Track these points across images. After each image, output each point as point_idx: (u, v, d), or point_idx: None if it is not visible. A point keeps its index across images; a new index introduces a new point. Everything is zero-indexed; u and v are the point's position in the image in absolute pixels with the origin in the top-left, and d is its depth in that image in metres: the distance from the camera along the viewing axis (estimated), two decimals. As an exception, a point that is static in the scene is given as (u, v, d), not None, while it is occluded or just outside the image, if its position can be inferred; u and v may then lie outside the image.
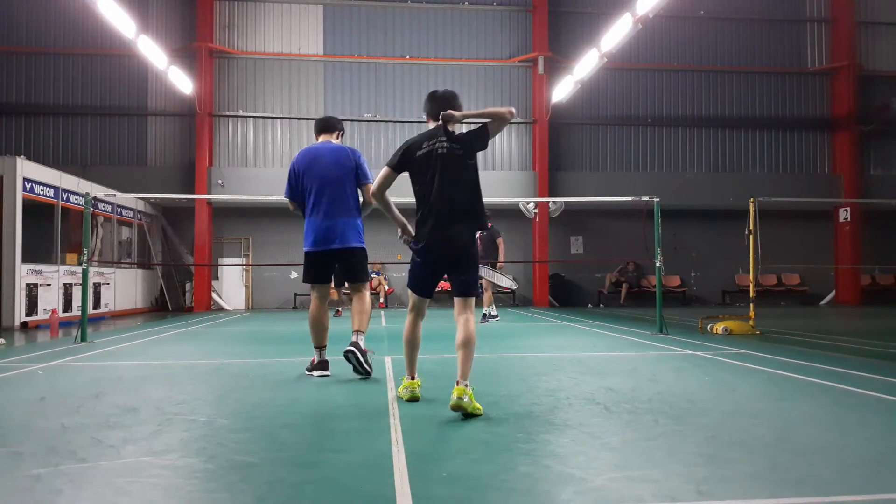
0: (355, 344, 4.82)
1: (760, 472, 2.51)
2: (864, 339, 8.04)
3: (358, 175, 5.02)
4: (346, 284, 5.63)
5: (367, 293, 5.33)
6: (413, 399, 3.90)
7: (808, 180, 18.88)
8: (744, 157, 18.97)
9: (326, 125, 5.23)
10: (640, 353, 6.55)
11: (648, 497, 2.25)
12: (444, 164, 3.76)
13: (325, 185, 4.93)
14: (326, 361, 5.07)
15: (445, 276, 3.85)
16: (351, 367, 4.87)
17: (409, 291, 4.02)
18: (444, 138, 3.79)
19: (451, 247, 3.72)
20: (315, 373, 5.02)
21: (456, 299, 3.77)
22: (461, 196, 3.74)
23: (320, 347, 5.09)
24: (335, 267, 5.19)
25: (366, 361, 4.84)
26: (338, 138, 5.26)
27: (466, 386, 3.48)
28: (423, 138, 3.87)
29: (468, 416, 3.43)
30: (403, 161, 3.92)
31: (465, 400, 3.42)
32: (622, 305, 17.58)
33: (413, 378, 3.96)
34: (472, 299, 3.77)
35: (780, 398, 4.13)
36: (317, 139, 5.24)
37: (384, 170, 3.99)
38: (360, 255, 5.16)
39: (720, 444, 2.92)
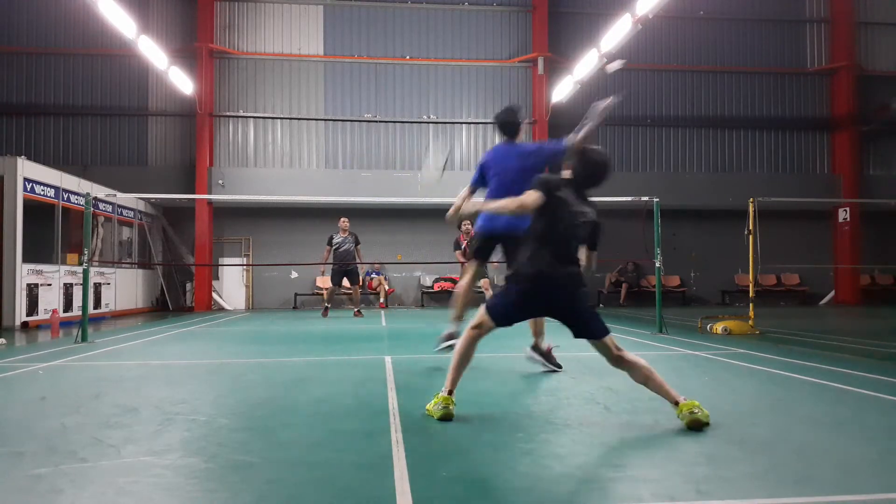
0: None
1: (760, 472, 2.51)
2: (864, 339, 8.04)
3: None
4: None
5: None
6: (447, 417, 3.45)
7: (808, 180, 18.88)
8: (744, 157, 18.96)
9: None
10: (640, 353, 6.53)
11: (648, 497, 2.25)
12: None
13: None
14: (457, 333, 5.04)
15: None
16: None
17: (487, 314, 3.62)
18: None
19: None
20: (444, 344, 5.40)
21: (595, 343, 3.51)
22: None
23: (459, 319, 5.40)
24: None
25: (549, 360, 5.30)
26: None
27: (684, 399, 3.29)
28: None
29: (702, 426, 3.22)
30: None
31: (697, 412, 3.22)
32: (622, 305, 17.58)
33: (451, 393, 3.56)
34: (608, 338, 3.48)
35: (779, 398, 4.13)
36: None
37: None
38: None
39: (720, 444, 2.92)
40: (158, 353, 6.86)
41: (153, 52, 13.81)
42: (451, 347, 5.08)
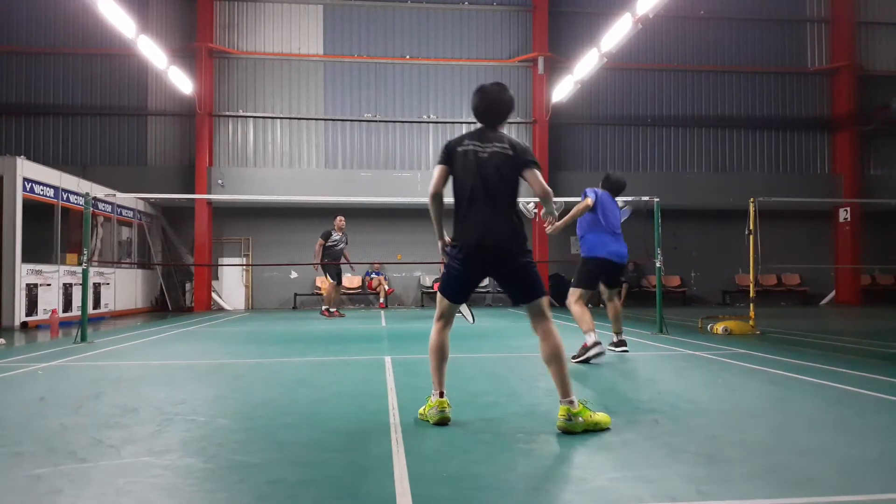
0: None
1: (760, 472, 2.51)
2: (864, 339, 8.04)
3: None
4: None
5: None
6: (443, 421, 3.30)
7: (808, 180, 18.88)
8: (744, 157, 18.96)
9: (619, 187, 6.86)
10: (640, 353, 6.55)
11: (648, 497, 2.25)
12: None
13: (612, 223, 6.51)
14: (599, 342, 5.77)
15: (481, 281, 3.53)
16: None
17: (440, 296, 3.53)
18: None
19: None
20: (590, 352, 5.72)
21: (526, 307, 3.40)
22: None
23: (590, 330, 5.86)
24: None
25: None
26: None
27: (572, 403, 3.14)
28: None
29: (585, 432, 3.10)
30: None
31: (578, 420, 3.10)
32: (622, 305, 17.55)
33: (442, 395, 3.38)
34: (542, 301, 3.36)
35: (780, 398, 4.13)
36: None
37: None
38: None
39: (720, 444, 2.92)
40: (158, 353, 6.85)
41: (153, 52, 13.80)
42: (598, 354, 5.73)
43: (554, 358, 3.25)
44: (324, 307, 12.81)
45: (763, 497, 2.26)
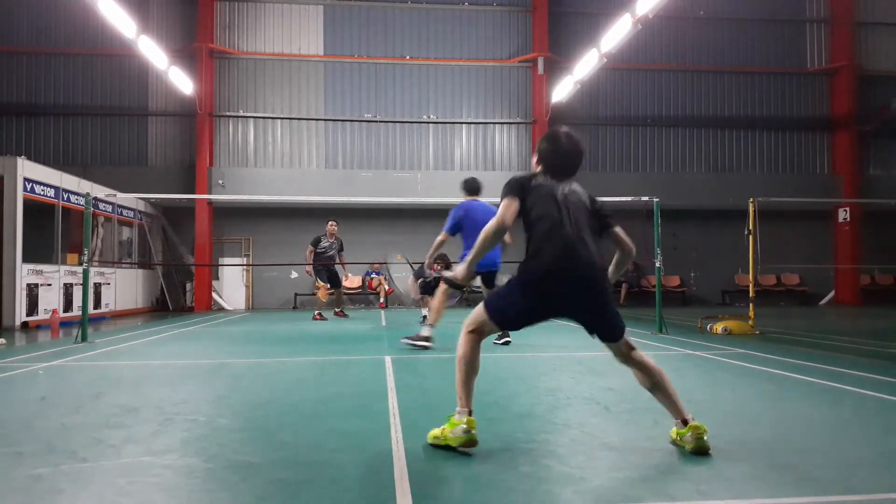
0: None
1: (760, 472, 2.51)
2: (864, 339, 8.04)
3: None
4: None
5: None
6: (470, 443, 2.85)
7: (808, 180, 18.88)
8: (744, 157, 18.97)
9: (476, 189, 7.50)
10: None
11: (648, 497, 2.25)
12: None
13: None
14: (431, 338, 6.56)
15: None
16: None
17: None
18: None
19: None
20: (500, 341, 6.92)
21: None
22: None
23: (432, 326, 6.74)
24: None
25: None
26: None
27: (693, 419, 2.87)
28: None
29: (707, 452, 2.80)
30: None
31: (705, 438, 2.81)
32: (622, 305, 17.57)
33: (471, 413, 2.94)
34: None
35: (779, 398, 4.13)
36: (469, 197, 7.35)
37: None
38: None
39: (720, 444, 2.92)
40: (159, 353, 6.86)
41: (153, 52, 13.80)
42: (423, 348, 6.19)
43: (654, 387, 2.99)
44: (317, 310, 12.48)
45: (763, 497, 2.26)
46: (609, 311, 3.00)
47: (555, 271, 2.94)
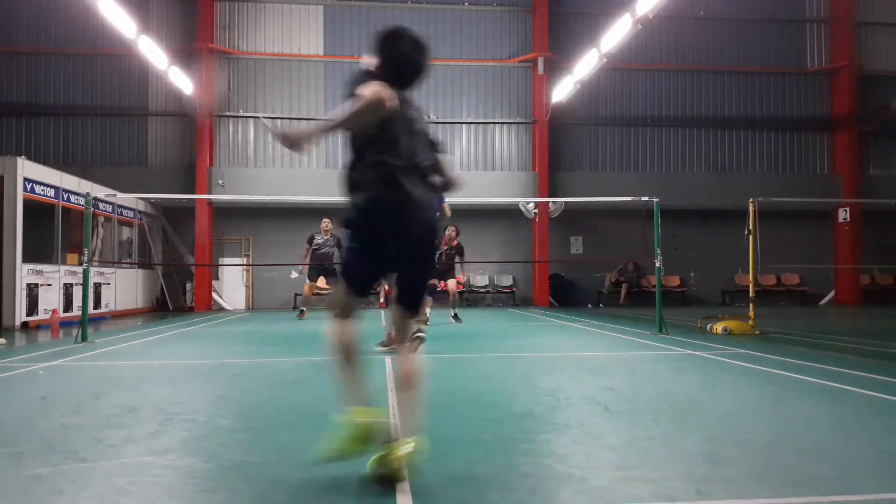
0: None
1: (760, 472, 2.52)
2: (864, 339, 8.05)
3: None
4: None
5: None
6: (365, 439, 2.44)
7: (808, 180, 18.88)
8: (744, 157, 18.97)
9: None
10: (640, 352, 6.55)
11: (648, 497, 2.25)
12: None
13: None
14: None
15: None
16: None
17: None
18: None
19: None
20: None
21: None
22: None
23: None
24: None
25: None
26: None
27: (410, 442, 2.42)
28: None
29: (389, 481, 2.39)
30: None
31: (394, 465, 2.37)
32: (622, 305, 17.58)
33: (368, 407, 2.49)
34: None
35: (779, 398, 4.13)
36: None
37: None
38: None
39: (720, 444, 2.92)
40: (159, 353, 6.86)
41: (153, 52, 13.80)
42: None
43: (404, 386, 2.63)
44: (302, 308, 12.65)
45: (763, 497, 2.26)
46: (428, 271, 2.67)
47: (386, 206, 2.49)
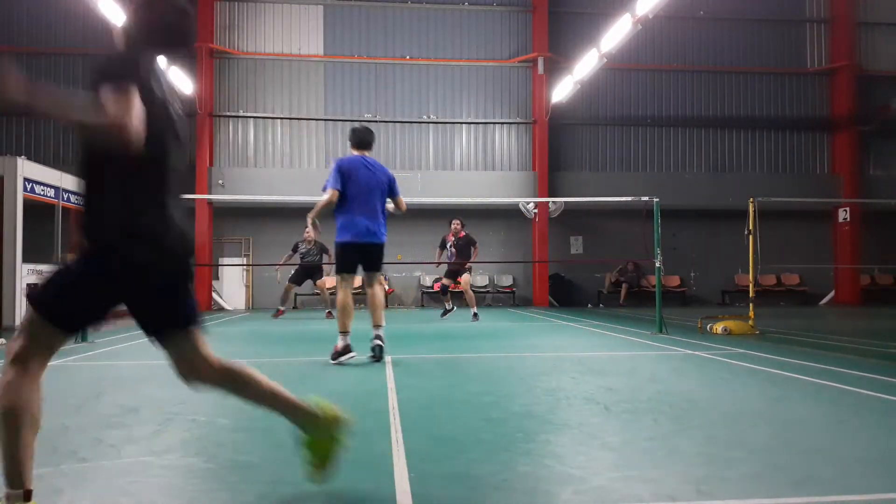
0: (380, 337, 5.73)
1: (760, 472, 2.51)
2: (864, 339, 8.04)
3: (392, 190, 6.22)
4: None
5: (381, 287, 6.08)
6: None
7: (808, 180, 18.88)
8: (744, 157, 18.97)
9: (366, 142, 6.22)
10: (640, 353, 6.55)
11: (648, 497, 2.25)
12: None
13: (365, 193, 5.85)
14: (350, 345, 5.63)
15: None
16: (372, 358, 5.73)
17: None
18: None
19: None
20: (343, 357, 5.58)
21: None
22: None
23: (345, 332, 5.68)
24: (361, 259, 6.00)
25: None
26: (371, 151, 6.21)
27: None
28: None
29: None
30: None
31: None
32: (622, 305, 17.58)
33: (28, 497, 1.87)
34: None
35: (779, 398, 4.13)
36: (356, 152, 6.12)
37: None
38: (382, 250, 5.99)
39: (720, 444, 2.92)
40: (158, 353, 6.82)
41: (153, 52, 13.77)
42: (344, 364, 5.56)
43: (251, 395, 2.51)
44: (280, 307, 12.81)
45: (763, 497, 2.26)
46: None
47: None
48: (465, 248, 11.36)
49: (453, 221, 11.45)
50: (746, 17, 18.88)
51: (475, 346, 7.28)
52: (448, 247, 11.48)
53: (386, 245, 5.99)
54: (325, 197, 5.93)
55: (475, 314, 11.31)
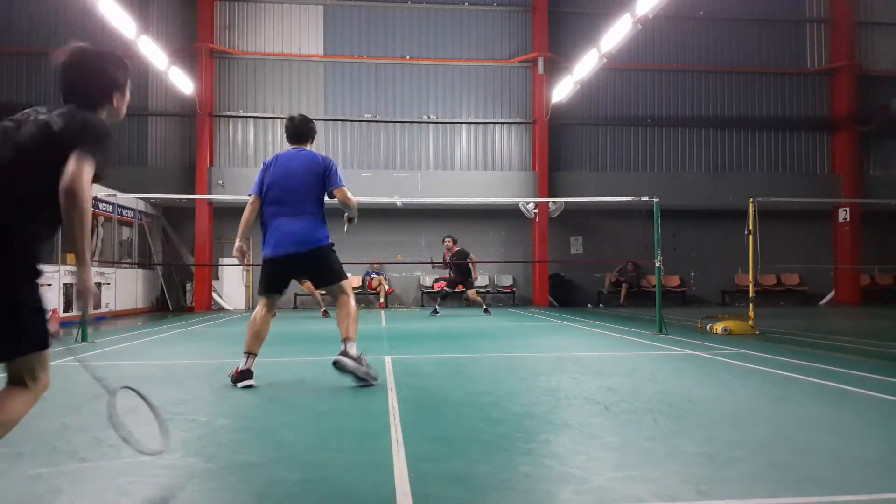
0: (345, 353, 4.40)
1: (760, 472, 2.51)
2: (864, 339, 8.04)
3: (327, 182, 4.76)
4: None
5: (348, 296, 4.70)
6: None
7: (808, 180, 18.88)
8: (744, 157, 18.96)
9: (298, 132, 5.04)
10: (640, 353, 6.55)
11: (648, 497, 2.25)
12: None
13: (288, 192, 4.73)
14: (251, 371, 4.53)
15: None
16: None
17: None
18: None
19: None
20: (239, 383, 4.45)
21: None
22: None
23: (250, 353, 4.63)
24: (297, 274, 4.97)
25: (363, 371, 4.40)
26: (310, 144, 5.08)
27: None
28: None
29: None
30: None
31: None
32: (622, 305, 17.58)
33: None
34: None
35: (779, 398, 4.13)
36: (291, 147, 5.03)
37: None
38: (328, 254, 4.69)
39: (720, 444, 2.92)
40: (159, 353, 6.86)
41: (153, 53, 13.79)
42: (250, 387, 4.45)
43: None
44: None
45: (763, 497, 2.26)
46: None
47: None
48: (461, 263, 12.96)
49: (445, 240, 12.76)
50: (746, 17, 18.88)
51: (475, 346, 7.28)
52: (445, 261, 13.09)
53: (332, 246, 4.73)
54: (245, 210, 5.06)
55: (486, 309, 13.00)
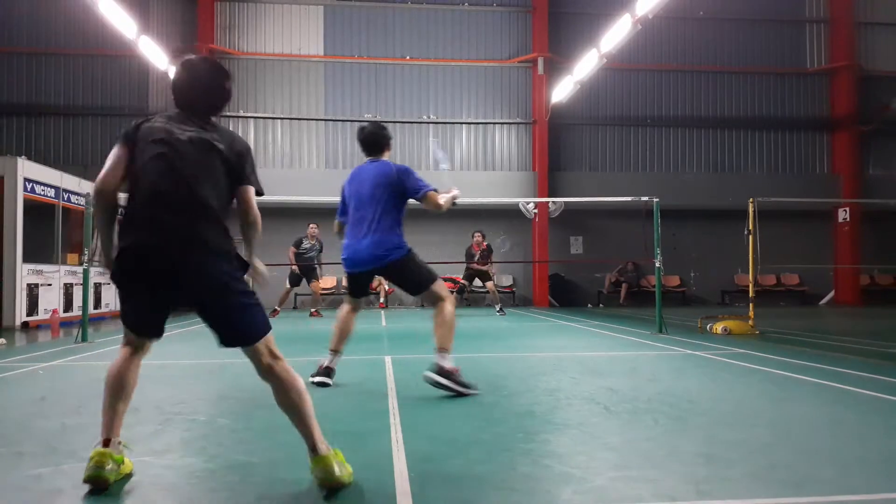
0: (438, 367, 4.18)
1: (760, 472, 2.52)
2: (864, 339, 8.04)
3: (407, 190, 4.77)
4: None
5: (444, 301, 4.52)
6: (92, 480, 2.27)
7: (808, 180, 18.88)
8: (744, 157, 18.96)
9: (369, 143, 4.79)
10: (640, 353, 6.55)
11: (648, 497, 2.25)
12: None
13: (360, 207, 4.69)
14: (331, 369, 4.68)
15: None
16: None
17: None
18: None
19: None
20: (313, 378, 4.60)
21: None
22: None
23: (335, 351, 4.77)
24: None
25: (458, 383, 4.13)
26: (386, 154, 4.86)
27: (328, 450, 2.38)
28: None
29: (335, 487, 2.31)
30: None
31: (336, 472, 2.31)
32: (622, 305, 17.58)
33: (107, 444, 2.35)
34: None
35: (779, 398, 4.13)
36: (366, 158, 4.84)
37: None
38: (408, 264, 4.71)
39: (720, 444, 2.92)
40: (158, 353, 6.82)
41: (153, 53, 13.79)
42: (323, 384, 4.56)
43: (290, 408, 2.46)
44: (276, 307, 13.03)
45: (763, 497, 2.26)
46: (230, 304, 2.46)
47: (131, 247, 2.43)
48: (487, 256, 13.50)
49: (475, 234, 13.47)
50: (746, 17, 18.88)
51: (475, 346, 7.28)
52: (475, 256, 13.42)
53: (410, 253, 4.78)
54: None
55: (501, 309, 13.07)
